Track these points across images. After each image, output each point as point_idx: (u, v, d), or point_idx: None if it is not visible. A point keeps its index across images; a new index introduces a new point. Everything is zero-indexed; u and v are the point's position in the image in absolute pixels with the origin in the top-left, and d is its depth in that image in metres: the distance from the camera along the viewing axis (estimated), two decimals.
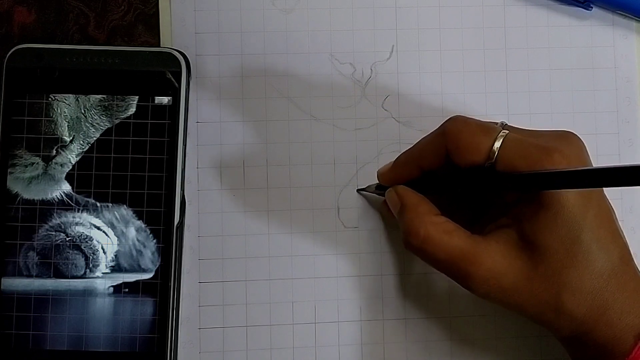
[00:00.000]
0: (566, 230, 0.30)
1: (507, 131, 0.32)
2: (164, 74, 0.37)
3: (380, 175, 0.37)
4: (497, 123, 0.34)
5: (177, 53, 0.37)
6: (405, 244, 0.34)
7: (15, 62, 0.37)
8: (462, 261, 0.32)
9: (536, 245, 0.31)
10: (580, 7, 0.40)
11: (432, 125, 0.39)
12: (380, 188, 0.38)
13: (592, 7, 0.40)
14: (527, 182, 0.30)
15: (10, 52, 0.37)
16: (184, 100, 0.37)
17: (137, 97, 0.37)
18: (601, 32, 0.41)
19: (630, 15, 0.40)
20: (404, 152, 0.36)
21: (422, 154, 0.35)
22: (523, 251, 0.31)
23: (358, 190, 0.39)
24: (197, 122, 0.39)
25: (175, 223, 0.37)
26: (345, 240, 0.39)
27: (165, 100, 0.37)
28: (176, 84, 0.37)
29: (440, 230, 0.32)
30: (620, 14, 0.41)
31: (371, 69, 0.40)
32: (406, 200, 0.34)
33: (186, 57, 0.38)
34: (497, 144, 0.31)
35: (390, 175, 0.36)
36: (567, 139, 0.32)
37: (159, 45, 0.39)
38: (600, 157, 0.40)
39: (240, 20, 0.40)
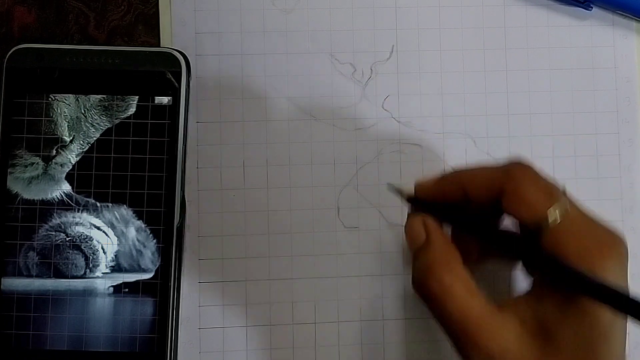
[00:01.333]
0: (589, 337, 0.28)
1: (567, 205, 0.30)
2: (164, 74, 0.37)
3: (417, 185, 0.34)
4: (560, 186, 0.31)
5: (177, 53, 0.37)
6: (417, 284, 0.31)
7: (15, 62, 0.37)
8: (475, 329, 0.29)
9: (553, 337, 0.29)
10: (580, 7, 0.40)
11: (432, 125, 0.40)
12: (412, 201, 0.34)
13: (592, 7, 0.40)
14: (571, 279, 0.28)
15: (10, 52, 0.37)
16: (184, 100, 0.37)
17: (137, 97, 0.37)
18: (601, 32, 0.41)
19: (630, 15, 0.40)
20: (455, 170, 0.34)
21: (474, 179, 0.32)
22: (537, 337, 0.29)
23: (389, 185, 0.38)
24: (197, 122, 0.39)
25: (176, 223, 0.37)
26: (345, 240, 0.39)
27: (165, 100, 0.37)
28: (176, 84, 0.37)
29: (465, 288, 0.30)
30: (620, 14, 0.41)
31: (371, 69, 0.40)
32: (434, 237, 0.32)
33: (186, 57, 0.38)
34: (557, 214, 0.29)
35: (430, 188, 0.33)
36: (619, 243, 0.30)
37: (159, 46, 0.39)
38: (600, 157, 0.40)
39: (240, 20, 0.40)
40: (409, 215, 0.34)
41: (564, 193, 0.31)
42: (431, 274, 0.30)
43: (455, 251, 0.31)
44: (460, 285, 0.30)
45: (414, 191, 0.34)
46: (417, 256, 0.32)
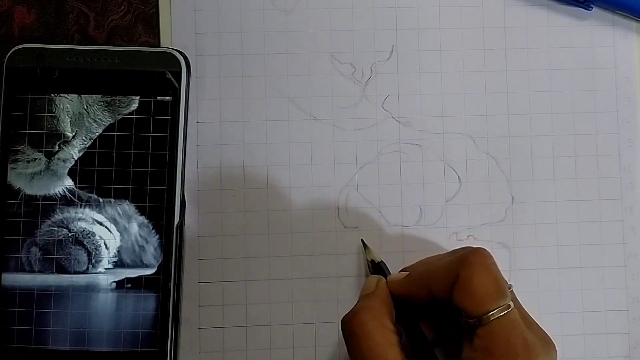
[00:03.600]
0: None
1: (512, 305, 0.31)
2: (164, 74, 0.37)
3: (390, 282, 0.35)
4: (507, 282, 0.33)
5: (177, 53, 0.37)
6: (344, 319, 0.33)
7: (15, 62, 0.37)
8: None
9: None
10: (580, 7, 0.40)
11: (432, 125, 0.40)
12: (375, 268, 0.37)
13: (592, 7, 0.40)
14: None
15: (10, 52, 0.37)
16: (184, 100, 0.37)
17: (138, 96, 0.37)
18: (601, 32, 0.41)
19: (630, 15, 0.40)
20: (421, 266, 0.36)
21: (436, 277, 0.33)
22: None
23: (363, 241, 0.39)
24: (197, 122, 0.39)
25: (176, 223, 0.37)
26: (345, 240, 0.39)
27: (166, 99, 0.37)
28: (176, 84, 0.37)
29: (385, 338, 0.32)
30: (620, 14, 0.41)
31: (371, 69, 0.40)
32: (379, 291, 0.34)
33: (186, 57, 0.38)
34: (497, 312, 0.31)
35: (400, 288, 0.34)
36: (548, 351, 0.32)
37: (159, 45, 0.39)
38: (600, 157, 0.40)
39: (240, 20, 0.40)
40: (370, 275, 0.37)
41: (510, 290, 0.32)
42: (358, 315, 0.32)
43: (388, 309, 0.33)
44: (381, 333, 0.32)
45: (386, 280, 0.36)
46: (358, 300, 0.34)
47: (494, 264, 0.32)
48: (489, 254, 0.32)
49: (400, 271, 0.36)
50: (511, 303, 0.31)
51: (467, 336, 0.32)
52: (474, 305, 0.31)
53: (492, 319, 0.31)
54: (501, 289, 0.31)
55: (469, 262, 0.32)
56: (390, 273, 0.37)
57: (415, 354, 0.33)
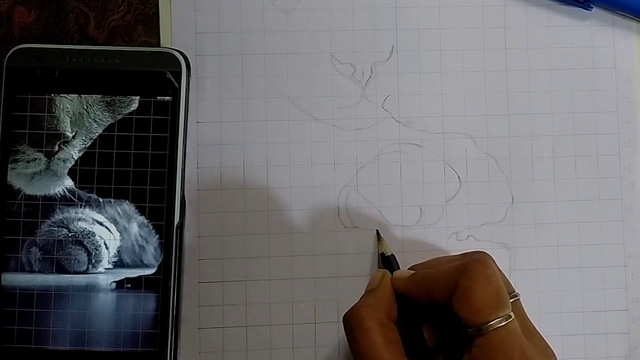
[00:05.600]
0: None
1: (512, 316, 0.31)
2: (164, 74, 0.37)
3: (395, 279, 0.35)
4: (512, 293, 0.33)
5: (177, 53, 0.37)
6: (347, 314, 0.33)
7: (15, 62, 0.37)
8: None
9: None
10: (580, 7, 0.40)
11: (432, 125, 0.40)
12: (384, 261, 0.37)
13: (592, 7, 0.40)
14: None
15: (10, 52, 0.37)
16: (184, 100, 0.37)
17: (138, 96, 0.37)
18: (601, 32, 0.41)
19: (630, 15, 0.40)
20: (423, 268, 0.36)
21: (437, 283, 0.33)
22: None
23: (377, 232, 0.39)
24: (197, 122, 0.39)
25: (176, 223, 0.37)
26: (345, 240, 0.39)
27: (166, 99, 0.37)
28: (176, 84, 0.37)
29: (383, 336, 0.32)
30: (620, 14, 0.41)
31: (371, 69, 0.40)
32: (382, 288, 0.34)
33: (186, 57, 0.38)
34: (496, 323, 0.30)
35: (403, 285, 0.35)
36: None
37: (159, 45, 0.39)
38: (600, 157, 0.40)
39: (240, 20, 0.40)
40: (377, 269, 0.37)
41: (517, 299, 0.33)
42: (358, 310, 0.32)
43: (390, 306, 0.33)
44: (379, 331, 0.32)
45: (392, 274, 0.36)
46: (362, 296, 0.34)
47: (496, 273, 0.32)
48: (492, 262, 0.32)
49: (409, 269, 0.36)
50: (512, 314, 0.31)
51: (467, 345, 0.32)
52: (472, 315, 0.31)
53: (490, 329, 0.30)
54: (501, 299, 0.31)
55: (469, 271, 0.31)
56: (399, 268, 0.37)
57: (412, 356, 0.33)
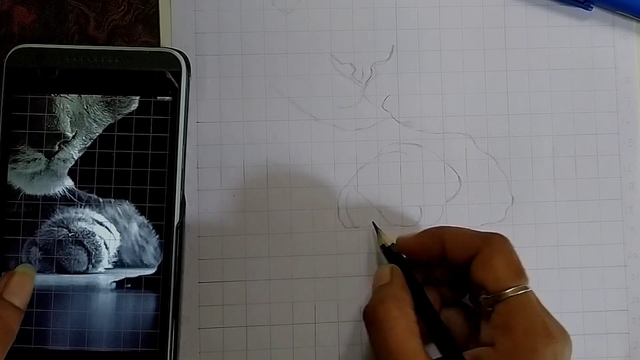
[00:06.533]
0: None
1: (529, 288, 0.32)
2: (164, 74, 0.37)
3: (400, 239, 0.36)
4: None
5: (177, 53, 0.37)
6: (368, 309, 0.33)
7: (15, 62, 0.37)
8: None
9: None
10: (580, 7, 0.40)
11: (432, 125, 0.40)
12: (386, 252, 0.37)
13: (592, 7, 0.40)
14: None
15: (10, 52, 0.37)
16: (184, 100, 0.37)
17: (138, 96, 0.37)
18: (601, 32, 0.41)
19: (630, 15, 0.40)
20: (439, 226, 0.36)
21: (455, 238, 0.34)
22: None
23: (374, 224, 0.38)
24: (197, 122, 0.39)
25: (176, 223, 0.37)
26: (345, 240, 0.39)
27: (165, 100, 0.37)
28: (176, 84, 0.37)
29: (408, 327, 0.31)
30: (620, 14, 0.41)
31: (371, 69, 0.40)
32: (395, 280, 0.34)
33: (186, 57, 0.38)
34: (517, 290, 0.31)
35: (411, 241, 0.35)
36: (566, 337, 0.32)
37: (159, 45, 0.39)
38: (600, 157, 0.40)
39: (240, 20, 0.40)
40: (380, 265, 0.37)
41: (527, 279, 0.33)
42: (382, 303, 0.32)
43: (409, 297, 0.33)
44: (404, 322, 0.32)
45: (395, 243, 0.36)
46: (376, 290, 0.34)
47: (515, 251, 0.33)
48: (508, 240, 0.33)
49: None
50: (529, 286, 0.32)
51: (484, 315, 0.32)
52: (493, 280, 0.31)
53: (512, 294, 0.31)
54: (521, 270, 0.32)
55: (492, 240, 0.33)
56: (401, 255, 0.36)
57: (438, 344, 0.33)
